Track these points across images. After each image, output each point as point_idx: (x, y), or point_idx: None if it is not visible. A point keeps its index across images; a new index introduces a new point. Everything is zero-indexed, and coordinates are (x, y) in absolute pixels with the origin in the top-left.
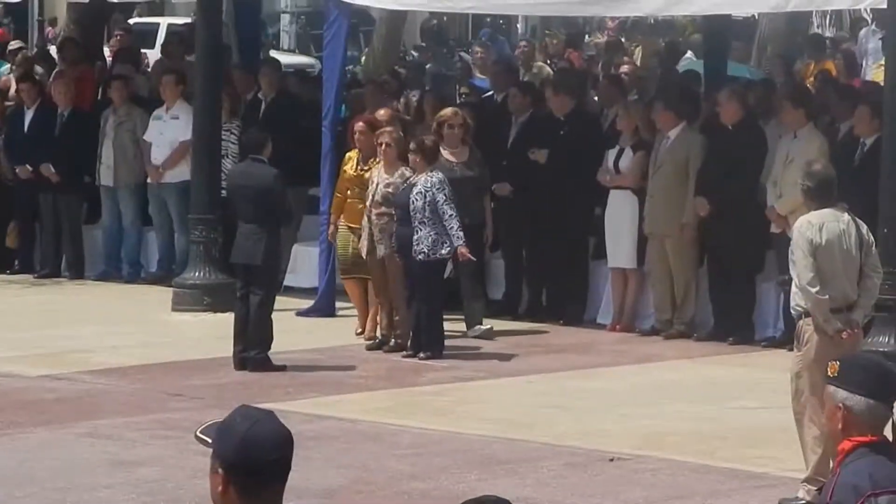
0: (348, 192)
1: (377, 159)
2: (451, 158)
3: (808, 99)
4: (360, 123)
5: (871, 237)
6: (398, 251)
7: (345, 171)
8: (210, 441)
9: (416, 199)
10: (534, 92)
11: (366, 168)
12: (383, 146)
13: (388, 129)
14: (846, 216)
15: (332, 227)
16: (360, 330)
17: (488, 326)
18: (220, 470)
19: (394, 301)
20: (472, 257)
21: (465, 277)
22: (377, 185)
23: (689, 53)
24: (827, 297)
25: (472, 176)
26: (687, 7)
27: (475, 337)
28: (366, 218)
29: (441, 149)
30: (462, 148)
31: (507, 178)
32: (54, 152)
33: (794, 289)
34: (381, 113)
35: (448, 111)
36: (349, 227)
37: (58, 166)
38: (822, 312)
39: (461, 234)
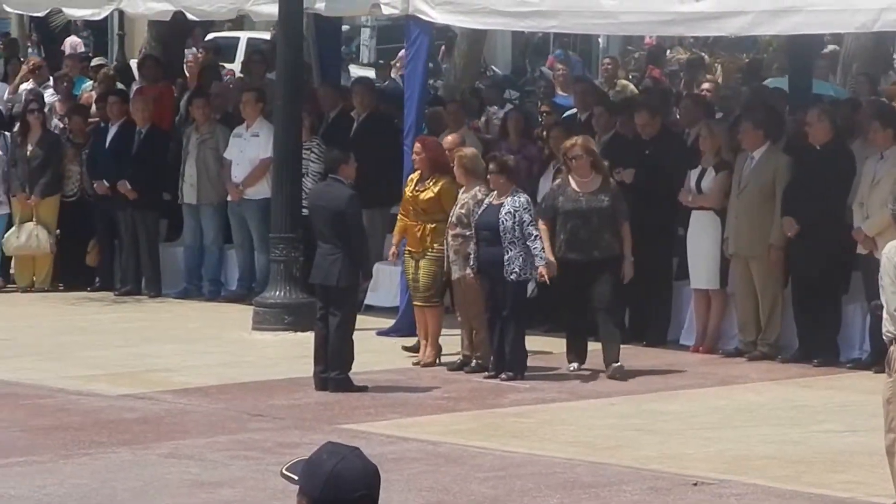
0: (405, 214)
1: (434, 179)
2: (577, 188)
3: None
4: (417, 144)
5: None
6: (480, 272)
7: (405, 193)
8: (296, 478)
9: (506, 220)
10: (618, 111)
11: (421, 189)
12: (454, 168)
13: (460, 149)
14: None
15: (393, 249)
16: (416, 359)
17: (621, 364)
18: None
19: (473, 322)
20: (548, 280)
21: (602, 312)
22: (456, 205)
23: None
24: None
25: (599, 207)
26: (770, 27)
27: (610, 377)
28: (445, 240)
29: (570, 178)
30: (594, 177)
31: None
32: (131, 169)
33: (885, 314)
34: (449, 139)
35: (568, 142)
36: (409, 251)
37: (135, 183)
38: None
39: (543, 254)
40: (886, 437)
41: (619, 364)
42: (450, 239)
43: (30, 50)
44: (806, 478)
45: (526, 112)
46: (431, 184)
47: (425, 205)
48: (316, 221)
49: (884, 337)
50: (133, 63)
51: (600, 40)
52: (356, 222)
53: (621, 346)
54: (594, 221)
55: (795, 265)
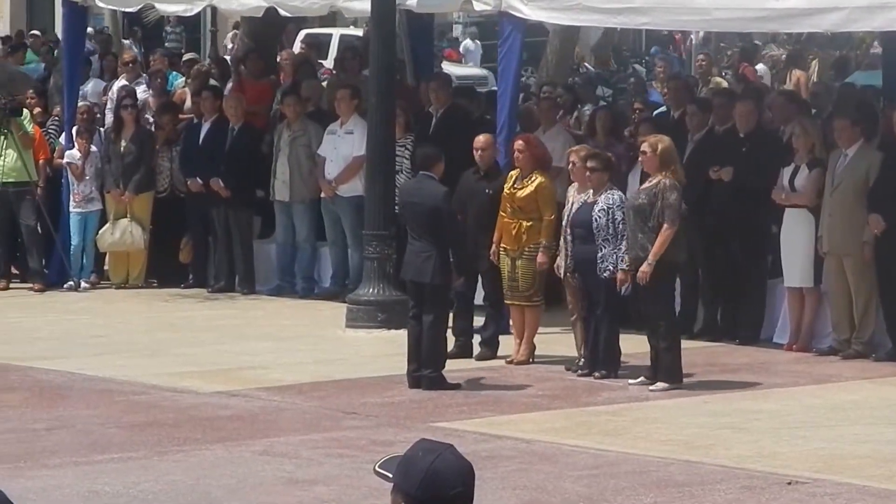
0: (503, 211)
1: (532, 177)
2: (640, 186)
3: None
4: (520, 141)
5: None
6: (575, 270)
7: (504, 190)
8: (390, 476)
9: (599, 217)
10: (711, 108)
11: (518, 187)
12: (571, 165)
13: (577, 147)
14: None
15: (493, 248)
16: (511, 357)
17: (662, 385)
18: None
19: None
20: (623, 286)
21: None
22: (572, 204)
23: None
24: None
25: (633, 204)
26: (867, 23)
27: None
28: (563, 238)
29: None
30: (654, 175)
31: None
32: (224, 166)
33: None
34: (481, 139)
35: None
36: (504, 249)
37: (228, 181)
38: None
39: (626, 257)
40: None
41: (657, 385)
42: (570, 238)
43: (131, 46)
44: None
45: (615, 110)
46: (529, 181)
47: (522, 202)
48: (408, 218)
49: None
50: (227, 59)
51: (692, 37)
52: (452, 219)
53: (715, 344)
54: (631, 219)
55: (882, 263)
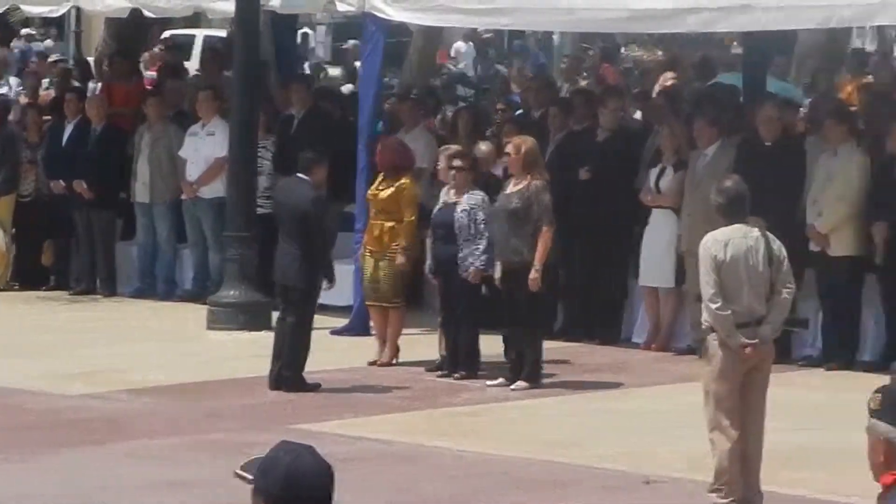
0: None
1: (394, 178)
2: (507, 189)
3: (850, 115)
4: (378, 144)
5: (784, 253)
6: (435, 271)
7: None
8: (250, 477)
9: (461, 218)
10: (571, 109)
11: (381, 188)
12: (443, 167)
13: (446, 147)
14: (756, 232)
15: (360, 249)
16: (373, 359)
17: (526, 385)
18: None
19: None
20: (478, 281)
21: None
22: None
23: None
24: (729, 312)
25: (506, 208)
26: (730, 23)
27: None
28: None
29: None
30: (523, 177)
31: None
32: (87, 168)
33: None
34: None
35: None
36: (369, 251)
37: (91, 182)
38: (723, 328)
39: (484, 257)
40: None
41: (517, 385)
42: None
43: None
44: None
45: (477, 110)
46: (392, 183)
47: (384, 203)
48: (278, 218)
49: (702, 325)
50: (90, 60)
51: (555, 38)
52: (319, 224)
53: (575, 343)
54: (503, 223)
55: None
